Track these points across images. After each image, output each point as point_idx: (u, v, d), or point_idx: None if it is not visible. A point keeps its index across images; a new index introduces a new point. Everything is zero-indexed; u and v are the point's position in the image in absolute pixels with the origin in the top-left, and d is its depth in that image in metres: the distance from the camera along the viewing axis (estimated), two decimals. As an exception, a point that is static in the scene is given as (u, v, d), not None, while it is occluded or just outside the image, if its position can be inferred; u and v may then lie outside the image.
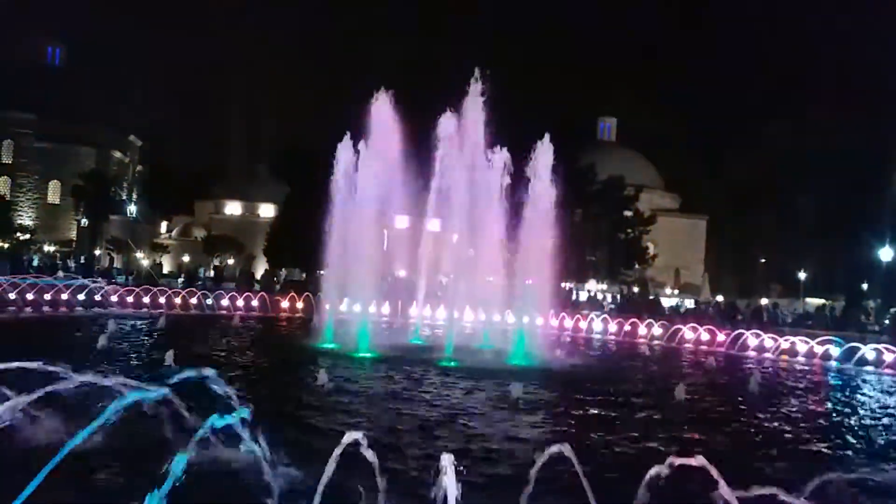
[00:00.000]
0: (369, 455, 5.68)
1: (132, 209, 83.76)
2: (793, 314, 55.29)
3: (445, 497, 5.02)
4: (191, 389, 6.86)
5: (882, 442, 11.61)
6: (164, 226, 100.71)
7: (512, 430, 10.46)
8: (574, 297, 55.36)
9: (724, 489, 5.29)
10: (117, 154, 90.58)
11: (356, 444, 5.52)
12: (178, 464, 4.67)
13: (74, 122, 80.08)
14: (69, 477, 4.90)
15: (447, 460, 5.31)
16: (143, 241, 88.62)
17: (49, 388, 6.22)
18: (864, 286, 69.59)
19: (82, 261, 59.60)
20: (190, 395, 7.04)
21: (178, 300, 32.33)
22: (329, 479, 5.10)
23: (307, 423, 9.93)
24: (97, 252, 78.99)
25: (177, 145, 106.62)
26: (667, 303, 60.41)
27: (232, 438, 6.03)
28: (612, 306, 52.45)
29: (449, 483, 5.06)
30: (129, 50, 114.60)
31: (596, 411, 12.85)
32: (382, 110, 21.85)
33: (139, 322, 24.75)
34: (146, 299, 31.06)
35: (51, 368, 6.82)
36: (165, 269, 75.95)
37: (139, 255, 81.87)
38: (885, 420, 13.92)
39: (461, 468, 5.39)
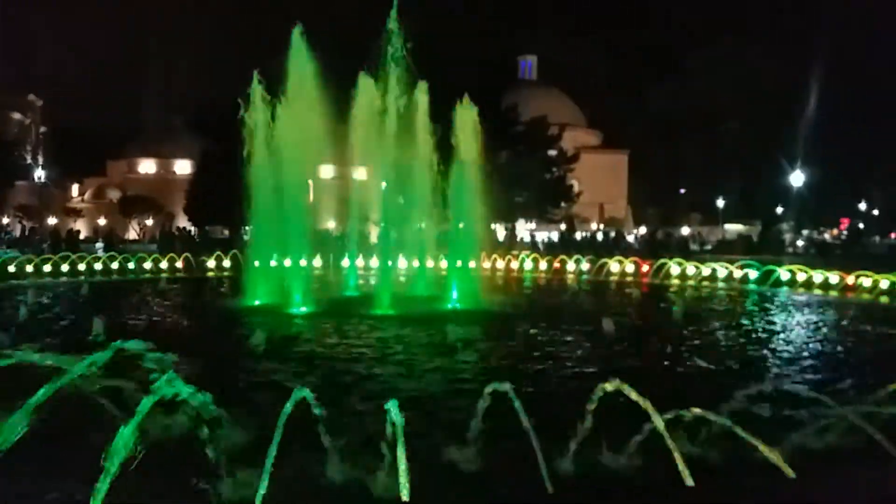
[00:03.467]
0: (317, 410, 5.69)
1: (40, 173, 79.42)
2: (712, 242, 57.59)
3: (394, 443, 5.09)
4: (124, 359, 6.65)
5: (792, 356, 12.32)
6: (75, 189, 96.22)
7: (452, 372, 10.62)
8: (506, 237, 56.10)
9: (652, 414, 5.57)
10: (16, 115, 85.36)
11: (304, 399, 5.51)
12: (144, 405, 4.65)
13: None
14: (21, 452, 4.73)
15: (392, 407, 5.37)
16: (54, 206, 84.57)
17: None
18: (779, 210, 72.97)
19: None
20: (123, 365, 6.84)
21: (98, 266, 31.16)
22: (280, 436, 5.09)
23: (247, 382, 9.82)
24: (5, 220, 75.05)
25: (84, 103, 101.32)
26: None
27: (173, 403, 5.90)
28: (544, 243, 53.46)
29: (396, 429, 5.13)
30: (23, 3, 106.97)
31: (529, 348, 13.16)
32: (298, 56, 21.14)
33: (60, 292, 23.79)
34: (65, 267, 29.83)
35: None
36: (82, 234, 72.81)
37: (52, 220, 78.19)
38: (796, 338, 14.76)
39: (409, 413, 5.47)
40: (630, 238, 64.96)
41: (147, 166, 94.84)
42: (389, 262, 22.30)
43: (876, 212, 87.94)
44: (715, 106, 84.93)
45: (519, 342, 13.98)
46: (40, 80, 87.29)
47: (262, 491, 4.80)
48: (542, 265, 33.82)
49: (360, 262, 27.77)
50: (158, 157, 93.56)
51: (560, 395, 9.24)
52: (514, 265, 34.22)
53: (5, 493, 5.37)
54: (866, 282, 23.28)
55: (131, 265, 32.09)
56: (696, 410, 6.03)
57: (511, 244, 49.37)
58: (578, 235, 69.50)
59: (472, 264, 23.56)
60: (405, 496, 4.84)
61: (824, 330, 15.88)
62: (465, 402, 8.09)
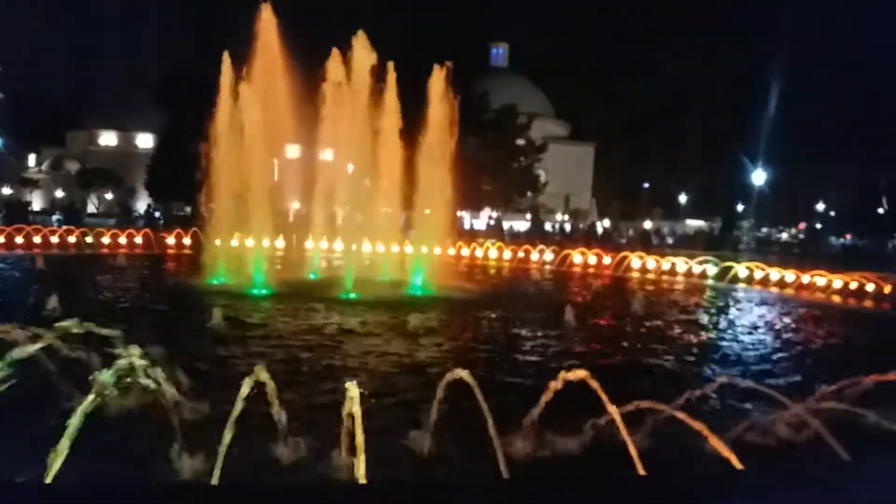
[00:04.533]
0: (272, 390, 5.68)
1: (-6, 141, 77.17)
2: (672, 235, 58.41)
3: (352, 425, 5.09)
4: (78, 335, 6.54)
5: (744, 354, 12.62)
6: (32, 159, 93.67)
7: (413, 358, 10.65)
8: (469, 225, 56.19)
9: (607, 404, 5.67)
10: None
11: (260, 380, 5.49)
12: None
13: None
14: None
15: (351, 389, 5.38)
16: (9, 175, 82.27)
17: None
18: (740, 208, 74.31)
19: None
20: (77, 341, 6.73)
21: (55, 239, 30.48)
22: (236, 415, 5.07)
23: (206, 362, 9.72)
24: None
25: (43, 71, 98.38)
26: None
27: (130, 382, 5.83)
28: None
29: (355, 411, 5.14)
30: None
31: (491, 335, 13.26)
32: (267, 31, 20.85)
33: (13, 264, 23.22)
34: (19, 239, 29.11)
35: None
36: (37, 206, 71.05)
37: (6, 190, 76.08)
38: (750, 334, 15.11)
39: (367, 397, 5.48)
40: (599, 229, 65.58)
41: (108, 138, 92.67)
42: (354, 246, 22.21)
43: (833, 213, 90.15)
44: (680, 101, 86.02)
45: (479, 329, 14.07)
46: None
47: (218, 468, 4.78)
48: (507, 253, 34.02)
49: (324, 244, 27.60)
50: (120, 130, 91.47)
51: (517, 382, 9.34)
52: (479, 253, 34.34)
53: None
54: (820, 281, 23.89)
55: (89, 239, 31.44)
56: (649, 402, 6.15)
57: (497, 235, 49.16)
58: (549, 226, 69.94)
59: (437, 250, 23.62)
60: (361, 477, 4.85)
61: (776, 327, 16.28)
62: (422, 387, 8.15)
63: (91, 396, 4.79)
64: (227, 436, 4.93)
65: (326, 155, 25.59)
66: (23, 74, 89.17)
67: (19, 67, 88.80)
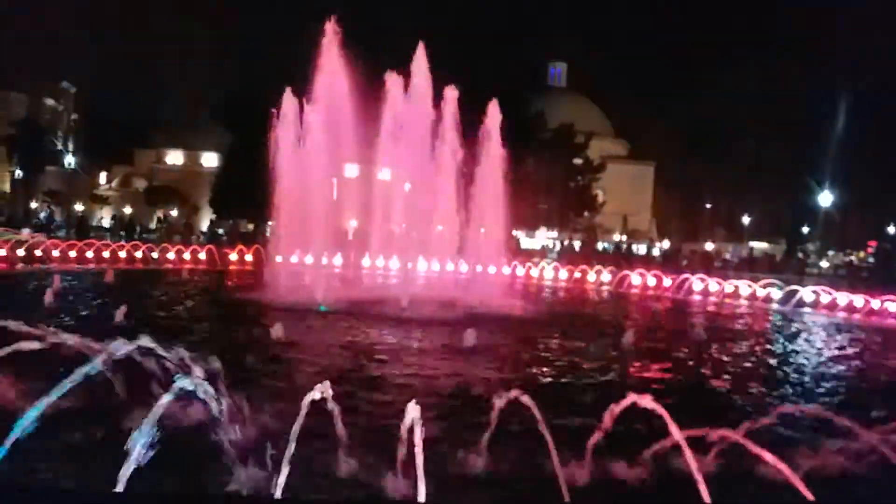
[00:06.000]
0: (334, 406, 5.71)
1: (69, 159, 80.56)
2: (737, 257, 56.95)
3: (411, 444, 5.08)
4: (144, 348, 6.71)
5: (812, 382, 12.15)
6: (103, 176, 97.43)
7: (469, 377, 10.60)
8: (524, 245, 55.95)
9: (673, 429, 5.51)
10: (50, 101, 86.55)
11: (323, 396, 5.53)
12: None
13: (1, 68, 76.00)
14: (39, 439, 4.78)
15: (412, 408, 5.36)
16: (81, 192, 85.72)
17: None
18: (805, 230, 72.02)
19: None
20: (144, 354, 6.90)
21: (122, 254, 31.55)
22: (297, 430, 5.11)
23: (267, 377, 9.86)
24: (34, 205, 76.21)
25: (114, 92, 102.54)
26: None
27: (195, 396, 5.95)
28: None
29: (415, 430, 5.12)
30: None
31: (547, 357, 13.11)
32: (329, 54, 21.29)
33: (84, 278, 24.10)
34: (90, 254, 30.22)
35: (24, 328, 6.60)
36: (106, 222, 73.83)
37: (79, 206, 79.30)
38: (819, 361, 14.56)
39: (425, 416, 5.46)
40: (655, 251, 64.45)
41: (174, 157, 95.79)
42: (409, 264, 22.36)
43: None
44: (744, 120, 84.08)
45: (534, 349, 13.92)
46: (74, 68, 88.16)
47: (279, 483, 4.82)
48: (563, 273, 33.69)
49: (380, 262, 27.85)
50: (185, 149, 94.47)
51: (578, 405, 9.19)
52: (535, 272, 34.12)
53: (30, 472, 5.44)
54: (893, 306, 22.89)
55: (155, 255, 32.45)
56: (717, 429, 5.97)
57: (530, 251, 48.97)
58: (600, 245, 68.96)
59: (492, 269, 23.57)
60: (421, 496, 4.83)
61: (845, 353, 15.65)
62: (480, 408, 8.10)
63: (156, 408, 4.89)
64: (289, 450, 4.97)
65: (384, 174, 25.92)
66: (95, 96, 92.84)
67: (92, 89, 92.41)
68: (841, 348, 16.49)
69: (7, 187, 79.25)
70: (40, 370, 6.47)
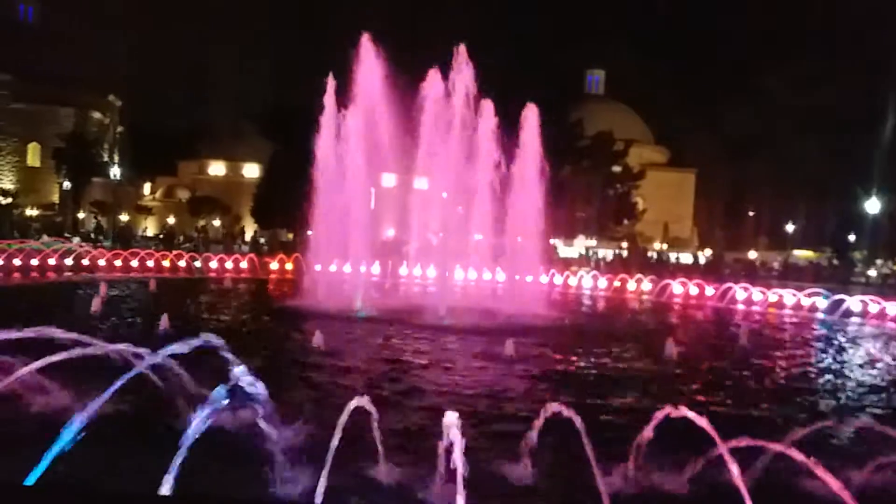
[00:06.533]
0: (374, 414, 5.72)
1: (115, 171, 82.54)
2: (783, 266, 55.70)
3: (451, 453, 5.06)
4: (189, 354, 6.81)
5: (860, 391, 11.81)
6: (147, 187, 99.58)
7: (509, 387, 10.54)
8: (562, 253, 55.59)
9: (718, 442, 5.39)
10: (97, 115, 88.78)
11: (362, 405, 5.55)
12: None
13: (51, 82, 78.03)
14: (84, 444, 4.88)
15: (451, 417, 5.34)
16: (126, 203, 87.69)
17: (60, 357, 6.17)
18: (852, 238, 70.12)
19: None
20: (188, 360, 7.01)
21: (166, 263, 32.21)
22: (338, 438, 5.13)
23: (308, 383, 9.94)
24: (81, 215, 78.21)
25: (158, 105, 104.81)
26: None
27: (236, 400, 6.02)
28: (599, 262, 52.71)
29: (455, 440, 5.10)
30: (102, 6, 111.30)
31: (588, 367, 12.97)
32: (368, 65, 21.47)
33: (129, 286, 24.63)
34: (134, 263, 30.91)
35: (70, 336, 6.75)
36: (150, 232, 75.40)
37: (125, 217, 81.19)
38: (865, 371, 14.14)
39: (465, 425, 5.44)
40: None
41: (216, 168, 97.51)
42: (447, 273, 22.36)
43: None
44: (786, 127, 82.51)
45: (573, 359, 13.78)
46: (120, 82, 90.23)
47: (320, 490, 4.85)
48: (602, 282, 33.39)
49: (417, 270, 27.94)
50: (227, 160, 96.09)
51: (619, 415, 9.06)
52: (573, 281, 33.86)
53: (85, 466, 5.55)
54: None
55: (198, 264, 33.05)
56: (761, 441, 5.83)
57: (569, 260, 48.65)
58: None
59: (529, 278, 23.43)
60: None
61: (893, 363, 15.19)
62: (517, 416, 8.05)
63: (202, 414, 4.95)
64: (330, 457, 4.99)
65: (421, 183, 26.01)
66: (140, 109, 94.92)
67: (137, 102, 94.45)
68: (888, 357, 15.99)
69: (56, 198, 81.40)
70: (94, 375, 6.59)
